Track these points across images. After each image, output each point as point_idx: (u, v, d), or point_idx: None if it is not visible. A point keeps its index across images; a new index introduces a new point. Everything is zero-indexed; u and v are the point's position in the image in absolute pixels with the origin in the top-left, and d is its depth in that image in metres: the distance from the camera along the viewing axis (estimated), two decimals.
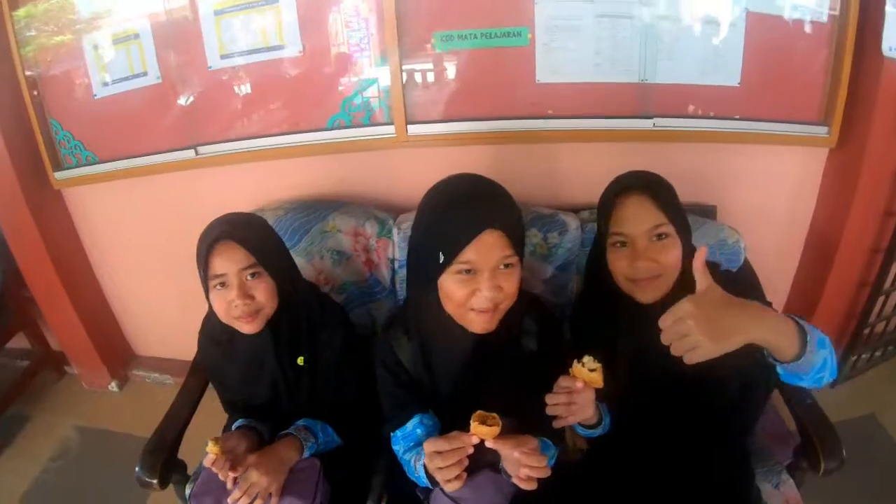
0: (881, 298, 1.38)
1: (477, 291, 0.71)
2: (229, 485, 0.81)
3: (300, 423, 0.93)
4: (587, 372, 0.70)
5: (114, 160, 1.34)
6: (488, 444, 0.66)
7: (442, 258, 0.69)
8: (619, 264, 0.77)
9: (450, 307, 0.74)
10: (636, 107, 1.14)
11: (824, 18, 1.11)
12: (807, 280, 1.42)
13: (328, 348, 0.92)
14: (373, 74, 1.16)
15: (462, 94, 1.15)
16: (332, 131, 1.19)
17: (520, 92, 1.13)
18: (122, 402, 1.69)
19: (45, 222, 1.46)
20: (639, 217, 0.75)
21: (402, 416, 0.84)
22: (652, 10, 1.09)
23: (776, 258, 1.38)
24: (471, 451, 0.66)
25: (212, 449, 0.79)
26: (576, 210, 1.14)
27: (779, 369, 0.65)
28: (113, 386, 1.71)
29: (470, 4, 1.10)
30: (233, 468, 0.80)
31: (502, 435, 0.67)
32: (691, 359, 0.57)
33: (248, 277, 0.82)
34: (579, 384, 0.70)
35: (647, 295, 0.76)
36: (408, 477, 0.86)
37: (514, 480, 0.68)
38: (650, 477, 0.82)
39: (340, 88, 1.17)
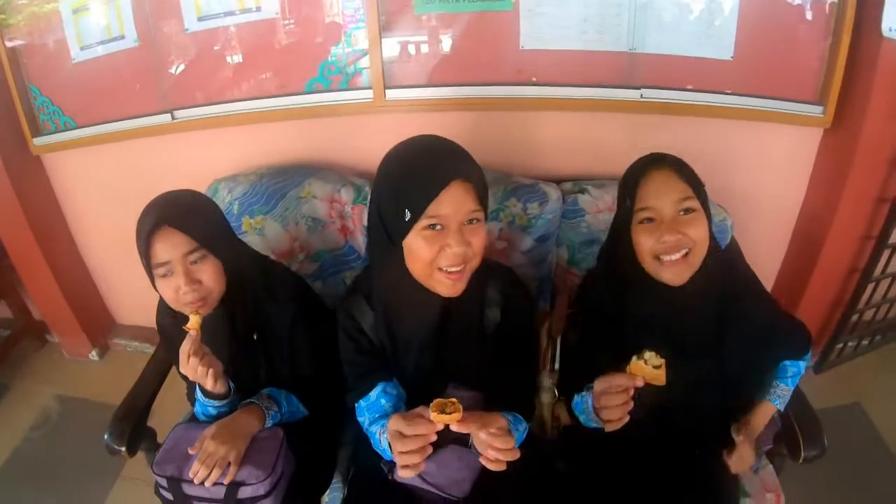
0: (870, 286, 1.36)
1: (445, 248, 0.68)
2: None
3: (264, 391, 0.91)
4: (650, 369, 0.66)
5: (91, 125, 1.32)
6: (453, 427, 0.64)
7: (408, 215, 0.67)
8: (647, 241, 0.74)
9: (416, 269, 0.72)
10: (623, 77, 1.11)
11: None
12: (795, 264, 1.40)
13: (279, 321, 0.90)
14: (351, 37, 1.13)
15: (442, 58, 1.12)
16: (310, 95, 1.17)
17: (503, 58, 1.11)
18: (102, 371, 1.69)
19: (25, 190, 1.44)
20: (666, 189, 0.73)
21: (365, 384, 0.83)
22: None
23: (764, 240, 1.36)
24: (433, 438, 0.64)
25: (194, 321, 0.78)
26: (557, 181, 1.12)
27: None
28: (93, 354, 1.71)
29: None
30: (196, 353, 0.78)
31: (468, 413, 0.64)
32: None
33: (193, 262, 0.79)
34: (640, 382, 0.67)
35: (674, 275, 0.74)
36: (373, 450, 0.85)
37: (482, 461, 0.66)
38: (631, 462, 0.82)
39: (318, 51, 1.15)
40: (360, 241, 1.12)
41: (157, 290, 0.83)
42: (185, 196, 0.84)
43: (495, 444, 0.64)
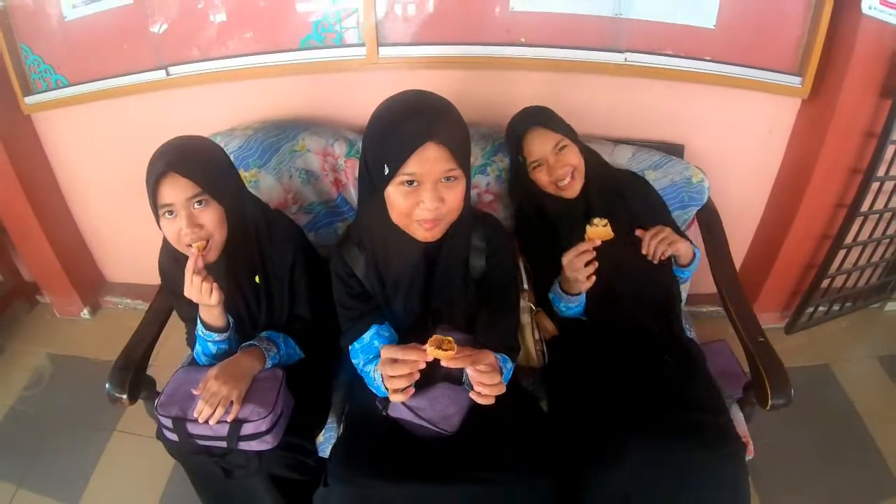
0: (842, 252, 1.44)
1: (420, 203, 0.74)
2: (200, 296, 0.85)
3: (263, 334, 0.96)
4: (601, 228, 0.88)
5: (84, 83, 1.33)
6: (444, 363, 0.69)
7: (387, 170, 0.73)
8: (543, 179, 1.02)
9: (395, 217, 0.78)
10: (609, 40, 1.16)
11: None
12: (770, 228, 1.48)
13: (279, 265, 0.95)
14: None
15: (435, 18, 1.16)
16: (304, 52, 1.20)
17: (493, 18, 1.15)
18: (94, 329, 1.72)
19: (16, 149, 1.46)
20: (543, 142, 1.00)
21: (358, 327, 0.88)
22: None
23: (741, 203, 1.43)
24: (423, 366, 0.70)
25: (198, 244, 0.84)
26: None
27: (675, 270, 1.04)
28: (85, 313, 1.74)
29: None
30: (199, 272, 0.84)
31: (460, 349, 0.69)
32: (674, 249, 0.96)
33: (196, 206, 0.83)
34: (597, 242, 0.88)
35: (571, 192, 1.01)
36: (367, 390, 0.91)
37: (472, 395, 0.72)
38: (609, 396, 0.89)
39: (313, 8, 1.18)
40: (353, 193, 1.17)
41: (160, 229, 0.87)
42: (194, 142, 0.88)
43: (484, 381, 0.70)
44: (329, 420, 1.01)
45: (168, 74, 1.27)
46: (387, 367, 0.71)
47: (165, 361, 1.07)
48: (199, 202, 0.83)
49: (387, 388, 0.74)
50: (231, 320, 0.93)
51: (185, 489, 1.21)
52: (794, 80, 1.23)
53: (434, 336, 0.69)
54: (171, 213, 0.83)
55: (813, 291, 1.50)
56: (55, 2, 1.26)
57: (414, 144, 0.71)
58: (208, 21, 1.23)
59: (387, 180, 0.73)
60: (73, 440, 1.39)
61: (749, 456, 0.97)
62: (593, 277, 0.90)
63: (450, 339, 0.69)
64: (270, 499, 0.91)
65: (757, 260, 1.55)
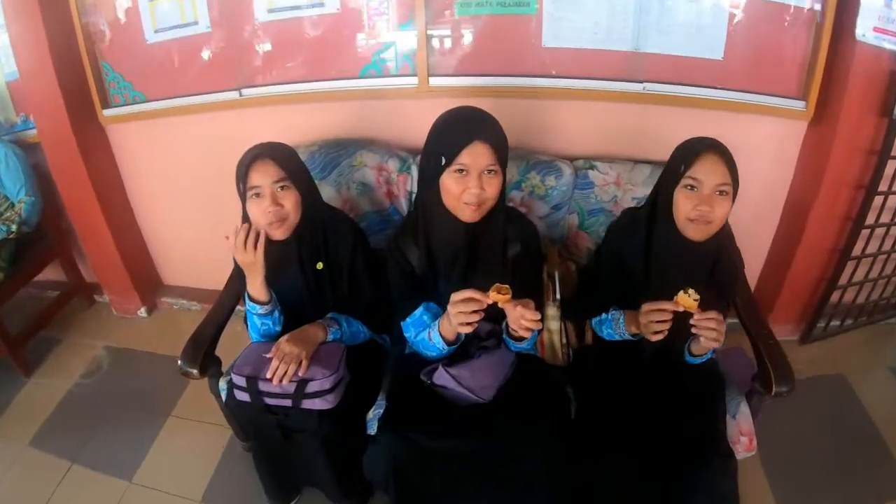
0: (850, 265, 1.56)
1: (468, 188, 0.96)
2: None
3: (328, 315, 1.14)
4: (692, 301, 0.91)
5: (161, 99, 1.56)
6: (501, 304, 0.91)
7: (444, 160, 0.96)
8: (686, 203, 0.99)
9: (448, 200, 0.99)
10: (629, 72, 1.36)
11: (805, 3, 1.27)
12: (782, 244, 1.62)
13: (341, 252, 1.12)
14: (402, 32, 1.39)
15: (477, 53, 1.38)
16: (364, 80, 1.43)
17: (528, 54, 1.36)
18: (150, 326, 1.91)
19: (91, 157, 1.67)
20: (715, 172, 0.97)
21: (410, 304, 1.08)
22: None
23: (755, 223, 1.57)
24: (485, 305, 0.91)
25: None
26: (571, 159, 1.36)
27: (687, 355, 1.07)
28: (142, 312, 1.94)
29: None
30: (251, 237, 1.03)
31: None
32: (710, 344, 0.95)
33: (279, 189, 1.03)
34: (680, 308, 0.92)
35: (697, 233, 1.00)
36: (412, 367, 1.09)
37: (517, 329, 0.93)
38: (631, 386, 1.04)
39: (373, 42, 1.41)
40: (403, 203, 1.37)
41: (245, 212, 1.06)
42: (280, 143, 1.10)
43: (526, 315, 0.90)
44: (379, 398, 1.14)
45: (241, 95, 1.50)
46: (459, 306, 0.92)
47: (227, 347, 1.21)
48: (282, 187, 1.03)
49: (445, 341, 0.98)
50: (273, 294, 1.10)
51: (236, 472, 1.37)
52: (799, 104, 1.36)
53: (495, 284, 0.90)
54: (258, 195, 1.02)
55: (824, 303, 1.62)
56: (138, 27, 1.49)
57: (466, 140, 0.94)
58: (280, 50, 1.46)
59: (443, 169, 0.96)
60: (128, 423, 1.53)
61: (751, 452, 1.10)
62: (660, 336, 0.96)
63: (506, 286, 0.90)
64: (323, 460, 1.06)
65: (771, 275, 1.68)
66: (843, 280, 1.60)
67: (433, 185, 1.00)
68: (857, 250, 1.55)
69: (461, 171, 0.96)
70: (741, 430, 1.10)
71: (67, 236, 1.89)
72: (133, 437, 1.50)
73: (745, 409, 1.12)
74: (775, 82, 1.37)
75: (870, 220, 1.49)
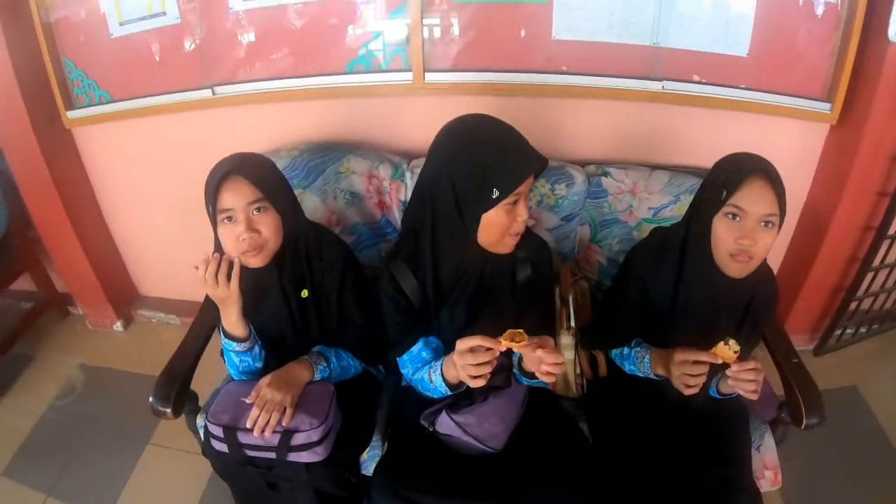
0: (869, 275, 1.51)
1: (517, 217, 0.86)
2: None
3: (314, 349, 1.02)
4: (731, 353, 0.82)
5: (128, 99, 1.42)
6: (516, 349, 0.80)
7: (496, 194, 0.82)
8: (726, 236, 0.86)
9: (491, 235, 0.87)
10: (647, 69, 1.24)
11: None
12: (799, 251, 1.55)
13: (328, 277, 1.00)
14: (393, 21, 1.25)
15: (479, 45, 1.25)
16: (351, 75, 1.29)
17: (536, 47, 1.23)
18: (127, 341, 1.80)
19: (56, 162, 1.53)
20: (761, 199, 0.84)
21: (407, 341, 0.97)
22: None
23: None
24: (497, 354, 0.80)
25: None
26: (582, 164, 1.25)
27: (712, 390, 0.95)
28: (118, 326, 1.82)
29: None
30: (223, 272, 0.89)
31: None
32: (751, 397, 0.84)
33: (255, 212, 0.88)
34: (718, 360, 0.82)
35: (737, 270, 0.88)
36: (412, 409, 0.98)
37: (538, 375, 0.81)
38: (651, 422, 0.96)
39: (360, 33, 1.26)
40: (397, 215, 1.24)
41: (216, 237, 0.93)
42: (256, 155, 0.96)
43: (548, 359, 0.79)
44: (374, 437, 1.06)
45: (214, 94, 1.35)
46: (467, 357, 0.80)
47: (206, 378, 1.11)
48: (259, 208, 0.89)
49: (449, 385, 0.87)
50: (252, 330, 0.98)
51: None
52: (824, 107, 1.29)
53: (508, 331, 0.80)
54: (230, 218, 0.88)
55: (842, 314, 1.57)
56: (102, 19, 1.34)
57: (527, 172, 0.84)
58: (257, 43, 1.31)
59: (492, 204, 0.83)
60: (106, 451, 1.44)
61: (776, 486, 1.04)
62: (693, 391, 0.86)
63: (521, 331, 0.80)
64: None
65: (786, 282, 1.60)
66: (861, 290, 1.54)
67: (455, 218, 0.86)
68: (876, 260, 1.48)
69: (515, 203, 0.85)
70: (765, 463, 1.04)
71: (36, 246, 1.75)
72: (111, 465, 1.41)
73: (769, 440, 1.06)
74: (800, 83, 1.28)
75: (892, 229, 1.43)
